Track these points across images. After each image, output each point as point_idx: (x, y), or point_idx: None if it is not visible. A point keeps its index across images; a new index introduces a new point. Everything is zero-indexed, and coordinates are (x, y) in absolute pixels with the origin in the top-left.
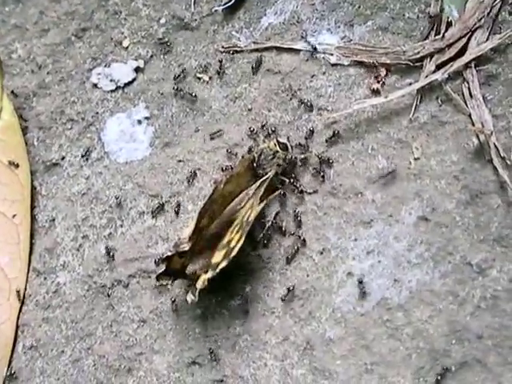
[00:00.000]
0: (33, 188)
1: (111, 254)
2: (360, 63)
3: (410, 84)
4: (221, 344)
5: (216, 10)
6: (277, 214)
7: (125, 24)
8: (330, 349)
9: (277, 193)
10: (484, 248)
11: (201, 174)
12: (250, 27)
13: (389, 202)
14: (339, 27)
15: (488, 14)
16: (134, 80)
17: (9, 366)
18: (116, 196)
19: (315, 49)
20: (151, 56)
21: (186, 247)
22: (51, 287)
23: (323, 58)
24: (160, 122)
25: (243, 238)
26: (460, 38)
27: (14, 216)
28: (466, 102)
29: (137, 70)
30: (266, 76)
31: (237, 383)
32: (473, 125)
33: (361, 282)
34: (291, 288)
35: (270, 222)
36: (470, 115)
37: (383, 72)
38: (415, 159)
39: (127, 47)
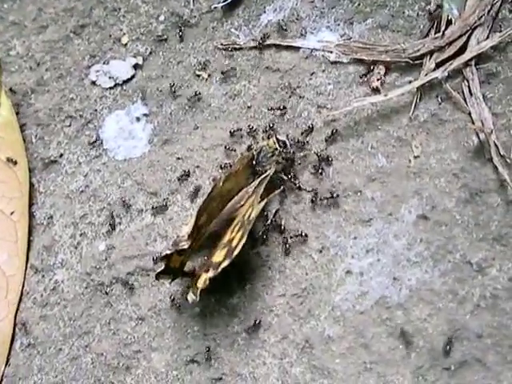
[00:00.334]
0: (31, 185)
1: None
2: (360, 61)
3: (410, 82)
4: (219, 342)
5: (215, 7)
6: (276, 211)
7: (124, 21)
8: (329, 347)
9: (278, 191)
10: (484, 247)
11: (200, 172)
12: (250, 24)
13: (388, 200)
14: (339, 25)
15: (488, 12)
16: (132, 77)
17: (6, 364)
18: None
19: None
20: (150, 53)
21: (185, 245)
22: (49, 285)
23: (323, 55)
24: (159, 119)
25: (245, 237)
26: (460, 36)
27: (12, 213)
28: (465, 100)
29: (135, 67)
30: (265, 73)
31: (235, 381)
32: (473, 123)
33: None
34: (257, 321)
35: (269, 220)
36: (469, 113)
37: (383, 70)
38: (415, 157)
39: (126, 44)
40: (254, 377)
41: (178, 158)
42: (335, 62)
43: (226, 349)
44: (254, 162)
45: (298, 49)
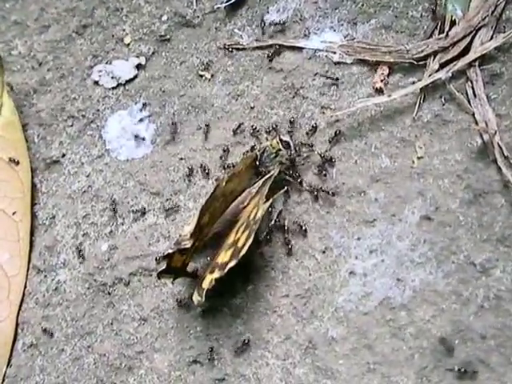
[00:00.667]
0: (33, 185)
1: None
2: (363, 61)
3: (414, 83)
4: (222, 343)
5: (218, 8)
6: (279, 212)
7: (126, 21)
8: (332, 348)
9: (282, 191)
10: (487, 248)
11: (202, 172)
12: (253, 25)
13: (392, 201)
14: (342, 25)
15: (492, 12)
16: (135, 77)
17: (8, 364)
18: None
19: None
20: (153, 53)
21: (187, 244)
22: (51, 285)
23: (326, 56)
24: (161, 119)
25: (251, 238)
26: (464, 37)
27: (14, 213)
28: (469, 101)
29: (138, 67)
30: (268, 74)
31: (238, 382)
32: (476, 124)
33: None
34: (246, 341)
35: (272, 221)
36: (473, 114)
37: (386, 71)
38: (418, 158)
39: (129, 44)
40: (257, 377)
41: (181, 159)
42: (339, 63)
43: (229, 349)
44: (257, 163)
45: (301, 49)
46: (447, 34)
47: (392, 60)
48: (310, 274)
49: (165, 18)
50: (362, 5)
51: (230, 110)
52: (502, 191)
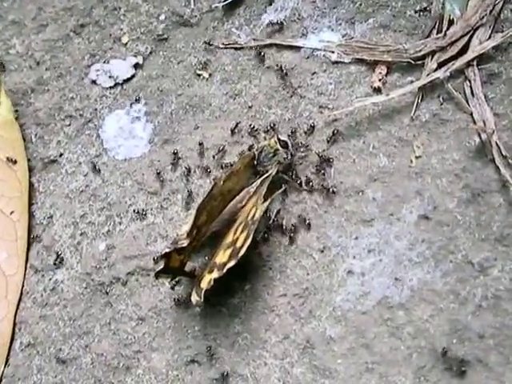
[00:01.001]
0: (31, 185)
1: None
2: (361, 61)
3: (412, 82)
4: (220, 342)
5: (216, 7)
6: (277, 212)
7: (124, 20)
8: (330, 347)
9: (280, 191)
10: (485, 247)
11: (200, 171)
12: (251, 24)
13: (390, 200)
14: (340, 25)
15: (490, 12)
16: (133, 76)
17: (6, 364)
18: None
19: None
20: (150, 52)
21: (184, 243)
22: (49, 284)
23: (324, 55)
24: (159, 118)
25: (250, 238)
26: (462, 36)
27: (12, 213)
28: (467, 101)
29: (136, 66)
30: (266, 73)
31: (236, 382)
32: (474, 123)
33: None
34: (225, 373)
35: (270, 220)
36: (471, 114)
37: (384, 70)
38: (416, 157)
39: (126, 43)
40: (254, 377)
41: (179, 158)
42: (337, 62)
43: (226, 349)
44: (255, 162)
45: (299, 48)
46: (445, 34)
47: (390, 59)
48: (307, 274)
49: (162, 17)
50: (360, 4)
51: (228, 109)
52: (500, 190)
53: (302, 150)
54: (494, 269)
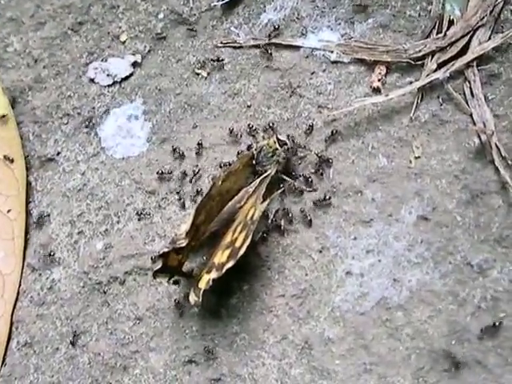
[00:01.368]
0: (28, 183)
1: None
2: (360, 61)
3: (411, 82)
4: (218, 342)
5: (215, 6)
6: (276, 212)
7: (122, 18)
8: (328, 348)
9: (279, 191)
10: (485, 248)
11: (198, 171)
12: (250, 23)
13: (389, 201)
14: (340, 24)
15: (490, 12)
16: (131, 75)
17: (3, 363)
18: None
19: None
20: (149, 51)
21: (182, 243)
22: (46, 283)
23: (323, 55)
24: (157, 117)
25: (249, 238)
26: (462, 37)
27: (9, 211)
28: (467, 102)
29: (134, 64)
30: (265, 73)
31: (234, 382)
32: (474, 124)
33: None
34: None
35: (268, 220)
36: (471, 115)
37: (384, 70)
38: (415, 158)
39: (124, 42)
40: (252, 378)
41: (177, 157)
42: (336, 62)
43: (224, 349)
44: (254, 162)
45: (298, 48)
46: (445, 34)
47: (389, 59)
48: (306, 274)
49: (161, 15)
50: (360, 4)
51: (227, 109)
52: (500, 192)
53: (300, 149)
54: (493, 270)
